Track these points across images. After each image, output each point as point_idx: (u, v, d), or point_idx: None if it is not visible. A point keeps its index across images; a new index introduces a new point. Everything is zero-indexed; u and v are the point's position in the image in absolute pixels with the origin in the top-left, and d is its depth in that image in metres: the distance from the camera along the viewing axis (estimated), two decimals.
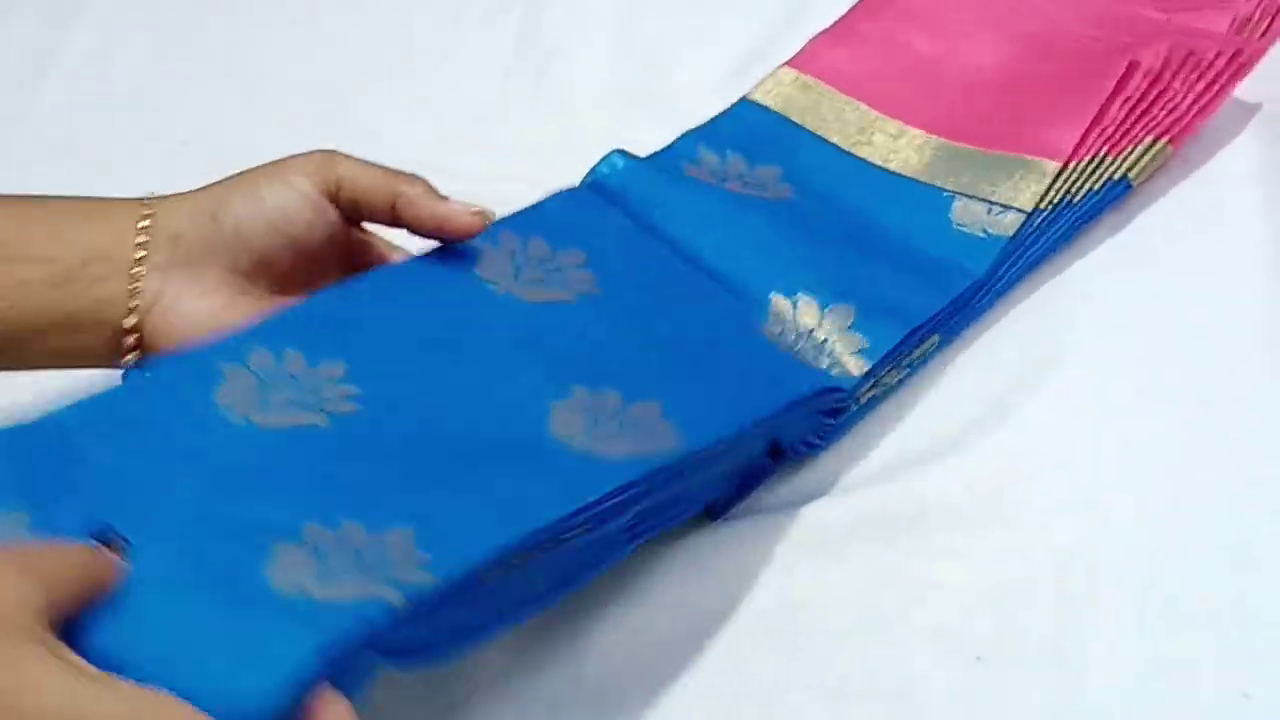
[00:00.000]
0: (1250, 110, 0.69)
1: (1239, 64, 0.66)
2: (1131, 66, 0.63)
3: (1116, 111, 0.63)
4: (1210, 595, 0.52)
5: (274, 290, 0.57)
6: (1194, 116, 0.66)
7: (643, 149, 0.65)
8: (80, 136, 0.81)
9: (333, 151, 0.57)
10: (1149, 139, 0.64)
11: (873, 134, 0.67)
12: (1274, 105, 0.69)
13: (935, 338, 0.60)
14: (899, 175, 0.65)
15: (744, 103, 0.69)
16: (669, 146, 0.66)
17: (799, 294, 0.59)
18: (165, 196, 0.57)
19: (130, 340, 0.56)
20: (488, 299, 0.55)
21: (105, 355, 0.56)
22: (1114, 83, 0.63)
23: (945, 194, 0.63)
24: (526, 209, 0.59)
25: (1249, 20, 0.70)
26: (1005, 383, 0.61)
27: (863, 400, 0.59)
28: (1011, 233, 0.61)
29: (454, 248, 0.56)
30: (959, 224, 0.62)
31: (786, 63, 0.71)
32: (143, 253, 0.55)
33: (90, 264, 0.55)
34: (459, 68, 0.84)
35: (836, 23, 0.73)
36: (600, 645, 0.55)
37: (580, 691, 0.54)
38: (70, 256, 0.55)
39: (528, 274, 0.56)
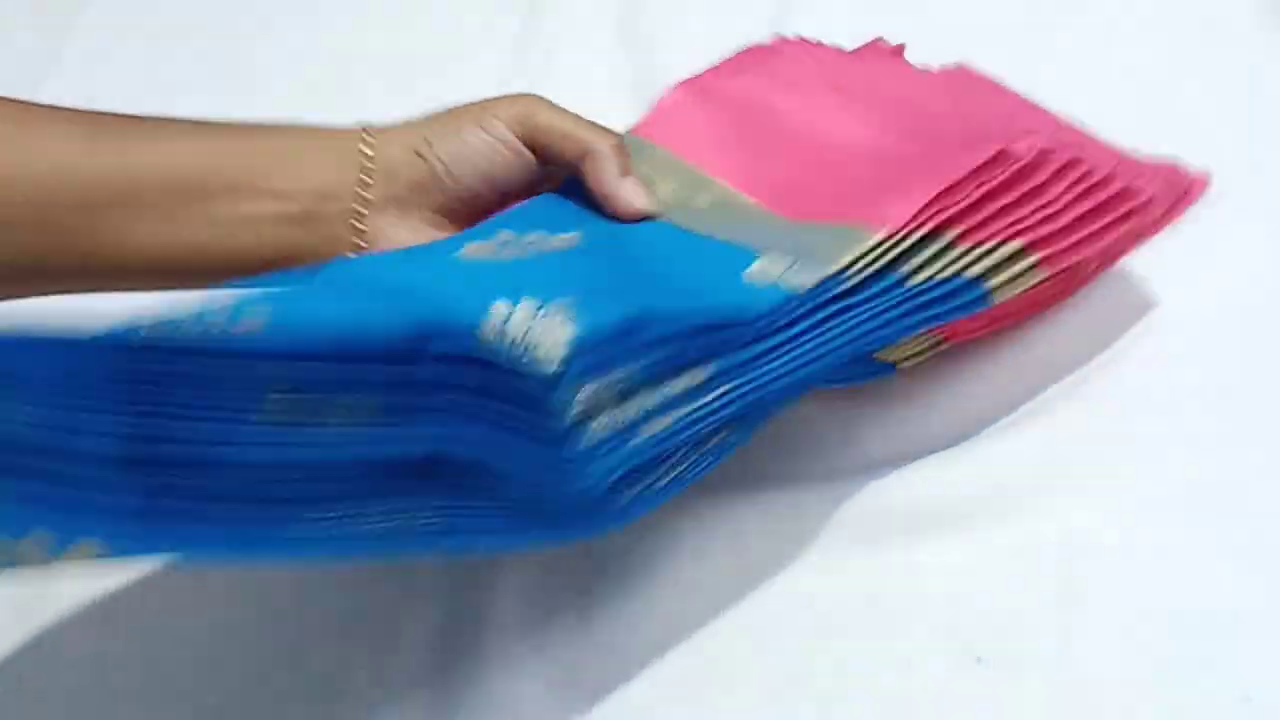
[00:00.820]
0: None
1: (1134, 206, 0.58)
2: (1001, 154, 0.55)
3: (972, 192, 0.55)
4: (1211, 597, 0.52)
5: (479, 222, 0.59)
6: (1074, 244, 0.57)
7: None
8: None
9: (534, 98, 0.59)
10: (1015, 241, 0.55)
11: (696, 195, 0.59)
12: None
13: (706, 371, 0.50)
14: (706, 236, 0.56)
15: None
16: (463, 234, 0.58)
17: (522, 298, 0.48)
18: (377, 130, 0.58)
19: None
20: None
21: None
22: (974, 162, 0.55)
23: (749, 252, 0.53)
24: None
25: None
26: (1011, 391, 0.61)
27: (599, 431, 0.47)
28: (809, 286, 0.51)
29: None
30: (750, 279, 0.52)
31: (633, 128, 0.63)
32: (366, 194, 0.58)
33: (323, 201, 0.57)
34: (459, 68, 0.84)
35: (695, 77, 0.66)
36: (607, 617, 0.56)
37: (588, 660, 0.55)
38: (304, 194, 0.57)
39: None
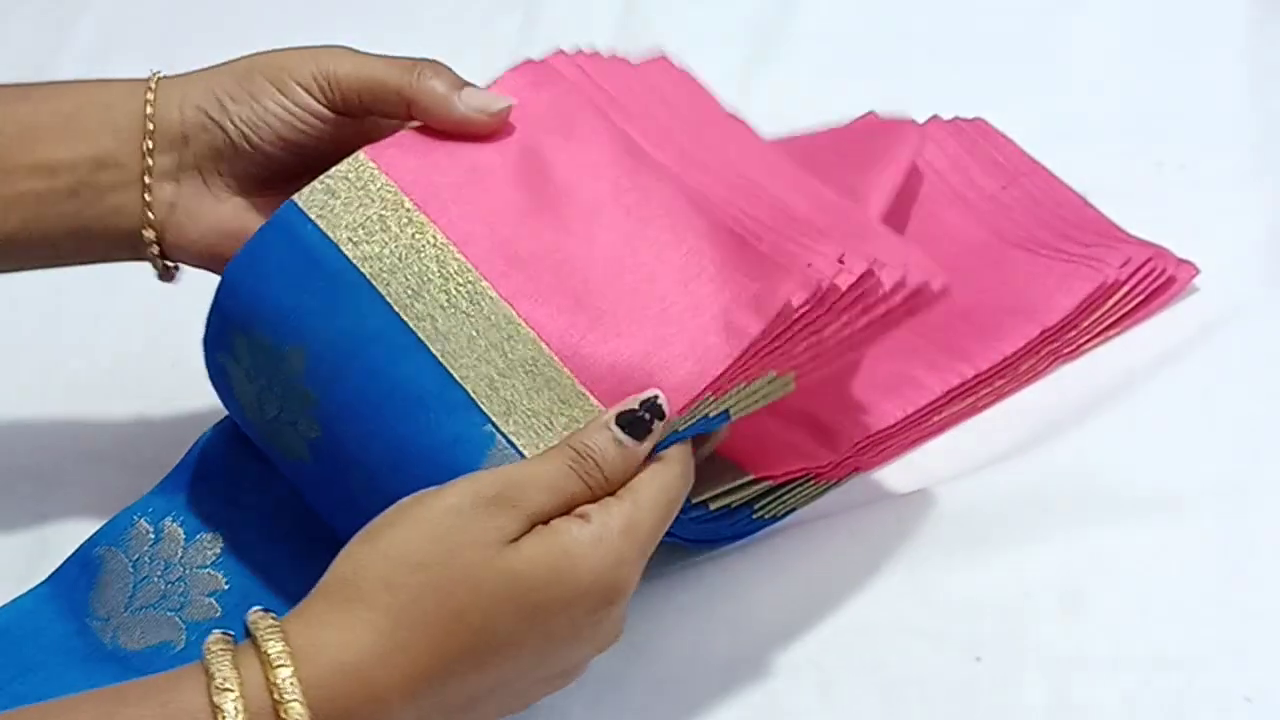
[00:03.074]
0: None
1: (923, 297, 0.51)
2: (783, 312, 0.48)
3: (735, 365, 0.48)
4: (1211, 598, 0.53)
5: (288, 186, 0.53)
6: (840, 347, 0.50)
7: None
8: None
9: (333, 52, 0.54)
10: (770, 374, 0.49)
11: (443, 289, 0.49)
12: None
13: None
14: (447, 374, 0.48)
15: (290, 208, 0.51)
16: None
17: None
18: (165, 83, 0.54)
19: (153, 248, 0.54)
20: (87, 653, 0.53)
21: (127, 256, 0.55)
22: (740, 347, 0.47)
23: (487, 429, 0.47)
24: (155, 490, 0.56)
25: (1116, 285, 0.63)
26: (1029, 419, 0.61)
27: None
28: None
29: (74, 569, 0.55)
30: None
31: (369, 149, 0.52)
32: (151, 160, 0.53)
33: (100, 171, 0.53)
34: (459, 68, 0.83)
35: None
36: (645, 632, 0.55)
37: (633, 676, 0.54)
38: (79, 164, 0.53)
39: (141, 598, 0.54)
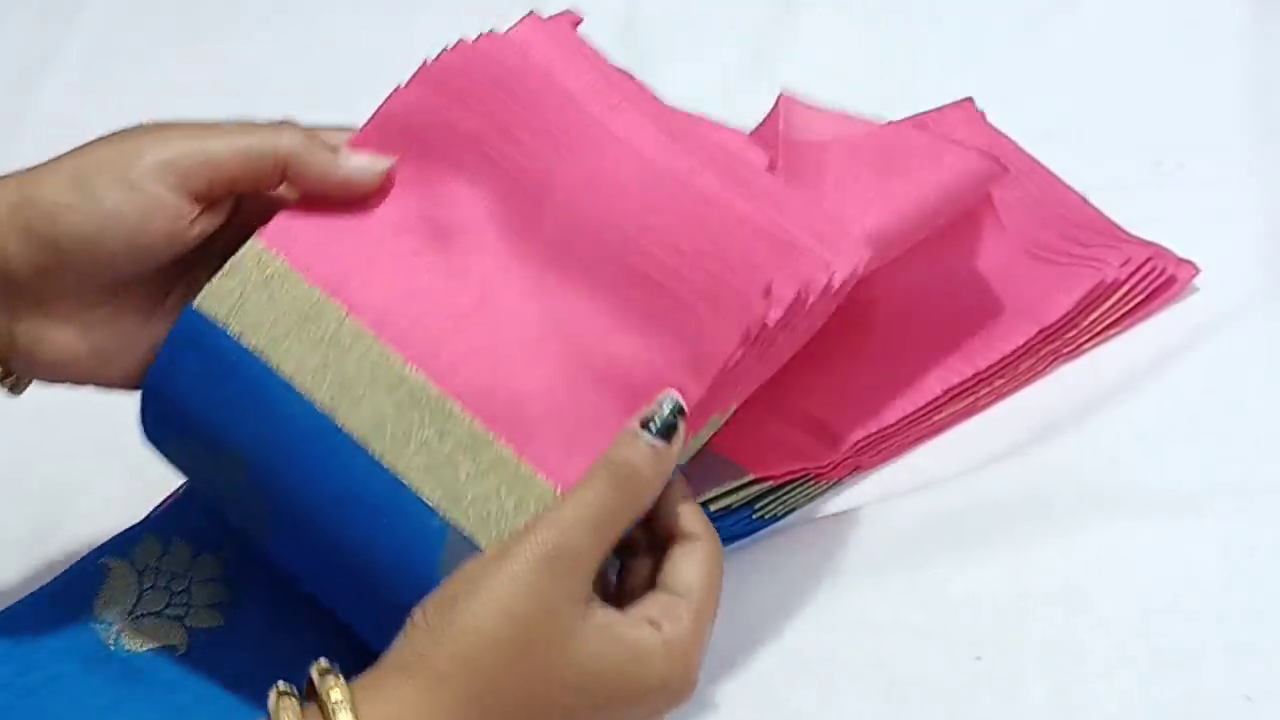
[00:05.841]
0: None
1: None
2: (724, 369, 0.46)
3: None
4: (1212, 598, 0.53)
5: (150, 291, 0.49)
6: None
7: None
8: (80, 137, 0.80)
9: (180, 133, 0.47)
10: (713, 418, 0.49)
11: (370, 382, 0.46)
12: None
13: None
14: (388, 472, 0.45)
15: (193, 315, 0.47)
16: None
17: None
18: None
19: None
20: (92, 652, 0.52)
21: None
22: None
23: (436, 523, 0.45)
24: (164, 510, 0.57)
25: (1115, 284, 0.62)
26: (1029, 419, 0.61)
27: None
28: None
29: (80, 576, 0.54)
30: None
31: (264, 234, 0.48)
32: None
33: None
34: None
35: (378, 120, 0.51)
36: None
37: None
38: None
39: (145, 604, 0.53)
